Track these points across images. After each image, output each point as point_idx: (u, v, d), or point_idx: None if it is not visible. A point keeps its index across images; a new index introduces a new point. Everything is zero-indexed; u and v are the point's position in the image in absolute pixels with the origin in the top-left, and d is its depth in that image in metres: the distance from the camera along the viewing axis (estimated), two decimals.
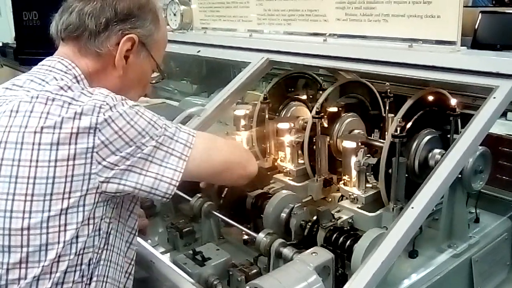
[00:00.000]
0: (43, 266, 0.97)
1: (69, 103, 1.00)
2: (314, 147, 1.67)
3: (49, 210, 0.97)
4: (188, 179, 1.10)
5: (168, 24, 2.50)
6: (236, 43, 2.04)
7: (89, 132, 0.98)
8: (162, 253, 1.55)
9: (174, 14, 2.44)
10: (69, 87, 1.04)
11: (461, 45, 1.39)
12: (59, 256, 0.98)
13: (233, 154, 1.23)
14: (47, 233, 0.97)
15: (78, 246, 1.00)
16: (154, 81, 1.33)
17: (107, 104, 1.00)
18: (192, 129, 1.66)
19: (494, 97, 1.24)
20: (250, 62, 1.87)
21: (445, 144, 1.52)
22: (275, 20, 1.94)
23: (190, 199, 1.60)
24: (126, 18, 1.16)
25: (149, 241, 1.59)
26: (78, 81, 1.12)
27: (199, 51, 2.18)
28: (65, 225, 0.98)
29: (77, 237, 1.00)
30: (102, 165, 0.99)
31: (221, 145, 1.22)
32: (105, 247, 1.07)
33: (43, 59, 1.18)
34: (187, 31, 2.42)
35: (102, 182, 1.00)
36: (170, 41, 2.39)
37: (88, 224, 1.01)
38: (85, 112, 0.98)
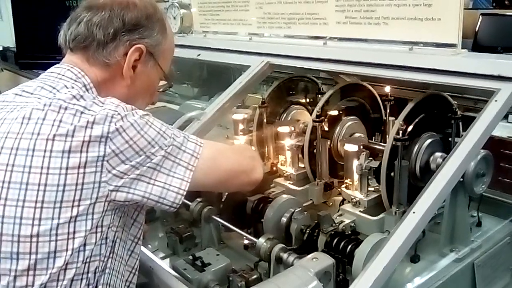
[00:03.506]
0: (50, 273, 0.97)
1: (82, 112, 1.00)
2: (315, 150, 1.66)
3: (59, 218, 0.97)
4: (194, 188, 1.11)
5: None
6: (236, 46, 2.03)
7: (101, 141, 0.98)
8: (162, 258, 1.54)
9: (174, 18, 2.44)
10: (81, 96, 1.04)
11: (462, 48, 1.38)
12: (67, 264, 0.98)
13: (239, 163, 1.23)
14: (56, 240, 0.97)
15: (86, 254, 1.00)
16: (161, 90, 1.33)
17: (118, 114, 1.01)
18: (193, 133, 1.68)
19: (496, 100, 1.23)
20: (250, 66, 1.87)
21: (447, 147, 1.51)
22: (275, 23, 1.94)
23: (190, 203, 1.60)
24: (134, 29, 1.16)
25: (148, 246, 1.58)
26: (87, 90, 1.13)
27: (199, 55, 2.18)
28: (74, 232, 0.98)
29: (84, 245, 1.00)
30: (112, 174, 1.00)
31: (228, 155, 1.22)
32: (111, 255, 1.06)
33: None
34: (187, 35, 2.41)
35: (112, 190, 1.00)
36: None
37: (96, 232, 1.01)
38: (97, 121, 0.99)
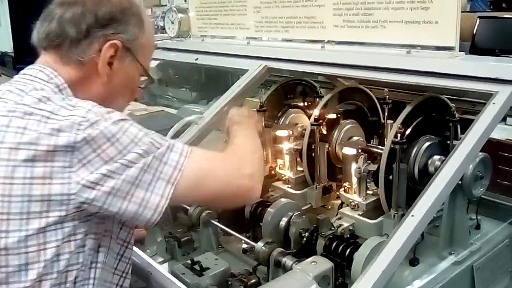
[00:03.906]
0: (24, 287, 0.93)
1: (48, 117, 0.95)
2: (313, 154, 1.66)
3: (27, 229, 0.92)
4: (176, 203, 1.04)
5: (166, 32, 2.51)
6: (234, 50, 2.04)
7: (67, 151, 0.92)
8: (160, 263, 1.53)
9: (172, 22, 2.44)
10: (48, 98, 0.98)
11: (460, 51, 1.39)
12: (41, 276, 0.94)
13: (230, 183, 1.09)
14: (27, 252, 0.93)
15: (61, 264, 0.96)
16: (143, 86, 1.24)
17: (87, 120, 0.95)
18: (191, 137, 1.68)
19: (494, 103, 1.23)
20: (248, 70, 1.87)
21: (445, 150, 1.51)
22: (273, 27, 1.94)
23: (189, 208, 1.59)
24: (108, 24, 1.09)
25: (147, 251, 1.58)
26: (60, 90, 1.07)
27: (197, 59, 2.18)
28: (45, 243, 0.93)
29: (58, 255, 0.95)
30: (81, 185, 0.93)
31: (218, 169, 1.08)
32: (93, 265, 1.02)
33: None
34: (185, 39, 2.42)
35: (83, 202, 0.94)
36: (168, 49, 2.43)
37: (70, 241, 0.96)
38: (63, 128, 0.93)
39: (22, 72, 1.10)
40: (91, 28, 1.08)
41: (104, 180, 0.94)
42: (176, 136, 1.66)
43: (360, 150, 1.56)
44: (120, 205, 0.96)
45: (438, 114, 1.55)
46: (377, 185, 1.50)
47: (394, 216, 1.43)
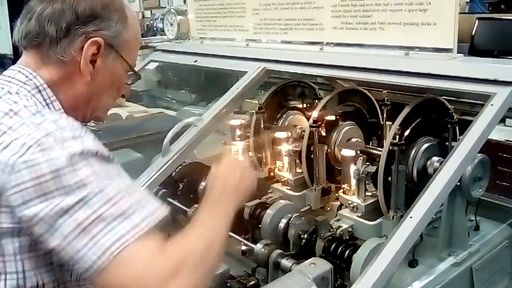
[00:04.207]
0: None
1: (4, 133, 0.89)
2: (312, 156, 1.66)
3: None
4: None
5: (165, 34, 2.51)
6: (233, 52, 2.04)
7: (4, 170, 0.85)
8: None
9: (171, 24, 2.45)
10: (16, 113, 0.92)
11: (458, 52, 1.39)
12: None
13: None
14: None
15: (28, 281, 0.90)
16: (130, 82, 1.20)
17: (38, 144, 0.86)
18: (190, 139, 1.67)
19: (492, 104, 1.23)
20: (247, 71, 1.87)
21: (444, 151, 1.52)
22: (272, 29, 1.94)
23: (188, 210, 1.59)
24: (88, 20, 1.04)
25: None
26: (40, 91, 1.02)
27: (196, 61, 2.18)
28: (3, 256, 0.88)
29: (23, 271, 0.90)
30: (16, 213, 0.86)
31: (146, 265, 0.87)
32: (79, 283, 0.97)
33: None
34: (184, 41, 2.42)
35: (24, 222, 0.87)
36: (167, 51, 2.43)
37: (30, 257, 0.90)
38: (11, 146, 0.86)
39: (3, 73, 1.07)
40: (71, 26, 1.03)
41: (35, 220, 0.85)
42: (175, 138, 1.66)
43: (359, 152, 1.56)
44: (54, 246, 0.86)
45: (437, 115, 1.55)
46: (376, 186, 1.51)
47: (393, 217, 1.44)
